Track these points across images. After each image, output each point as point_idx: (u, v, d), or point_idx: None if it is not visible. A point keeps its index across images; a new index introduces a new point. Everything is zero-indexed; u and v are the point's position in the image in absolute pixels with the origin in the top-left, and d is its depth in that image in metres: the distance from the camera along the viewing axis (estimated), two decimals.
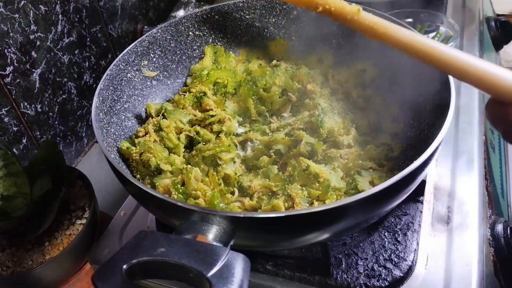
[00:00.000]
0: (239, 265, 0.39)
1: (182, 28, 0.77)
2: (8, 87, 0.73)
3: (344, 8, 0.45)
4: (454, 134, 0.77)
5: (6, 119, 0.74)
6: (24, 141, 0.79)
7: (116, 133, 0.64)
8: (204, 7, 0.78)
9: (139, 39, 0.70)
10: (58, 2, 0.81)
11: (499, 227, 0.67)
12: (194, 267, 0.38)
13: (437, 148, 0.48)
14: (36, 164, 0.67)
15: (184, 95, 0.73)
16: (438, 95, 0.58)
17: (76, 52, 0.88)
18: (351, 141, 0.63)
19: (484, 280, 0.58)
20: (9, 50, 0.72)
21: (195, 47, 0.79)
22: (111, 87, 0.64)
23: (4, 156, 0.63)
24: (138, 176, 0.62)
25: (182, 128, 0.67)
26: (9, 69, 0.73)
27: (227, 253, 0.39)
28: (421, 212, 0.65)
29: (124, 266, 0.38)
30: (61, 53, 0.84)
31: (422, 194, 0.67)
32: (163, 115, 0.68)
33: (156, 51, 0.74)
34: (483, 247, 0.62)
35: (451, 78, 0.56)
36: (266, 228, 0.44)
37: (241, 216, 0.43)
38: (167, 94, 0.76)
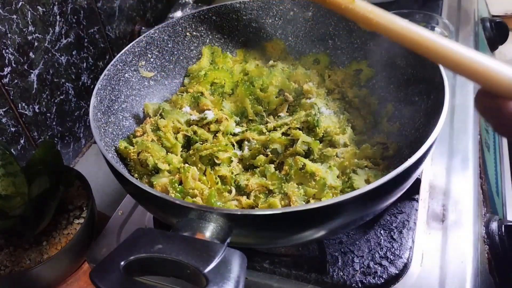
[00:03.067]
0: (235, 262, 0.39)
1: (179, 28, 0.77)
2: (6, 87, 0.74)
3: None
4: (449, 133, 0.78)
5: (4, 120, 0.75)
6: (22, 141, 0.80)
7: (114, 133, 0.64)
8: (201, 8, 0.78)
9: (137, 40, 0.71)
10: (56, 3, 0.81)
11: (494, 225, 0.67)
12: (191, 263, 0.38)
13: (431, 146, 0.48)
14: (34, 164, 0.67)
15: (182, 95, 0.73)
16: (433, 94, 0.59)
17: (74, 53, 0.88)
18: (347, 140, 0.64)
19: (479, 277, 0.59)
20: (7, 51, 0.73)
21: (192, 48, 0.80)
22: (108, 87, 0.65)
23: (2, 156, 0.63)
24: (136, 175, 0.62)
25: (180, 128, 0.67)
26: (7, 69, 0.73)
27: (223, 249, 0.40)
28: (417, 210, 0.65)
29: (122, 263, 0.38)
30: (59, 54, 0.84)
31: (418, 192, 0.67)
32: (160, 115, 0.69)
33: (154, 52, 0.74)
34: (478, 245, 0.63)
35: (445, 78, 0.56)
36: (263, 225, 0.45)
37: (238, 213, 0.43)
38: (164, 94, 0.76)
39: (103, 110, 0.62)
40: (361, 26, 0.45)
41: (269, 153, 0.64)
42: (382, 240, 0.62)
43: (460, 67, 0.40)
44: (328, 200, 0.43)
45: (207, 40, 0.81)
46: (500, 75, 0.38)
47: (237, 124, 0.70)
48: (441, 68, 0.57)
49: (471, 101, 0.84)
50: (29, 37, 0.77)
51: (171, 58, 0.77)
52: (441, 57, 0.41)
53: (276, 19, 0.81)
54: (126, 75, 0.69)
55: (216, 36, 0.81)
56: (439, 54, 0.41)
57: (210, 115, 0.68)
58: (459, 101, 0.84)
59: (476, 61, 0.39)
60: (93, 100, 0.60)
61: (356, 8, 0.43)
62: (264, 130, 0.67)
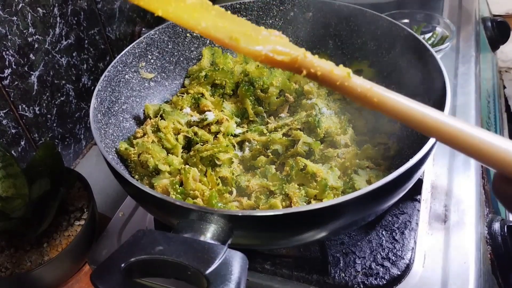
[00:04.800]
0: (236, 263, 0.39)
1: (180, 29, 0.77)
2: (7, 89, 0.74)
3: (332, 72, 0.38)
4: None
5: (4, 122, 0.74)
6: (22, 143, 0.79)
7: (114, 134, 0.64)
8: None
9: (137, 41, 0.71)
10: (56, 4, 0.81)
11: (496, 226, 0.67)
12: (192, 265, 0.38)
13: (432, 146, 0.48)
14: (34, 166, 0.67)
15: (182, 96, 0.73)
16: (434, 94, 0.58)
17: (74, 54, 0.88)
18: (348, 140, 0.64)
19: (481, 278, 0.59)
20: (7, 52, 0.73)
21: (192, 49, 0.79)
22: (109, 89, 0.65)
23: (3, 157, 0.63)
24: (136, 176, 0.62)
25: (180, 129, 0.67)
26: (7, 71, 0.73)
27: (224, 251, 0.39)
28: (419, 210, 0.65)
29: (123, 265, 0.38)
30: (59, 56, 0.84)
31: (420, 193, 0.67)
32: (161, 116, 0.69)
33: (154, 53, 0.74)
34: (480, 245, 0.62)
35: (446, 78, 0.56)
36: (264, 226, 0.45)
37: (239, 214, 0.43)
38: (165, 95, 0.76)
39: (103, 111, 0.62)
40: (360, 105, 0.40)
41: (270, 154, 0.63)
42: (384, 241, 0.61)
43: (474, 151, 0.35)
44: (329, 201, 0.43)
45: (208, 41, 0.80)
46: None
47: (238, 125, 0.70)
48: (443, 68, 0.57)
49: (473, 101, 0.84)
50: (29, 39, 0.77)
51: (171, 59, 0.77)
52: (455, 141, 0.36)
53: (277, 19, 0.81)
54: (127, 76, 0.69)
55: None
56: (451, 137, 0.36)
57: (210, 116, 0.68)
58: (460, 101, 0.84)
59: (492, 144, 0.35)
60: (93, 102, 0.60)
61: (352, 85, 0.38)
62: (265, 131, 0.67)
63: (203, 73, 0.74)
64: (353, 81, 0.38)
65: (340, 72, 0.38)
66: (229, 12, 0.43)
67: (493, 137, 0.35)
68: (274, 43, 0.39)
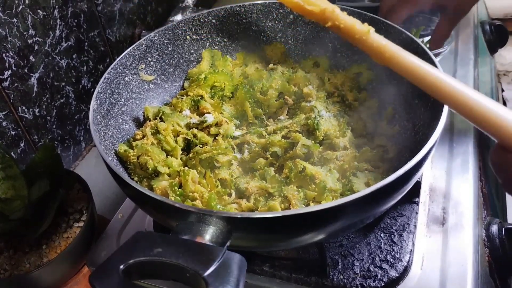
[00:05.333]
0: (235, 265, 0.39)
1: (180, 32, 0.77)
2: (6, 91, 0.74)
3: (354, 26, 0.42)
4: (449, 136, 0.78)
5: (4, 123, 0.75)
6: (21, 145, 0.80)
7: (114, 136, 0.64)
8: (201, 11, 0.78)
9: (137, 43, 0.71)
10: (56, 7, 0.81)
11: (494, 228, 0.67)
12: (191, 267, 0.38)
13: (431, 149, 0.48)
14: (34, 167, 0.67)
15: (182, 98, 0.73)
16: (433, 97, 0.59)
17: (74, 56, 0.88)
18: (347, 143, 0.64)
19: (479, 280, 0.59)
20: (7, 54, 0.73)
21: (192, 51, 0.80)
22: (108, 90, 0.65)
23: (2, 159, 0.63)
24: (135, 178, 0.62)
25: (180, 131, 0.67)
26: (7, 73, 0.73)
27: (223, 253, 0.39)
28: (417, 213, 0.65)
29: (121, 266, 0.38)
30: (59, 58, 0.84)
31: (418, 195, 0.67)
32: (160, 118, 0.69)
33: (154, 55, 0.74)
34: (478, 248, 0.63)
35: None
36: (263, 228, 0.45)
37: (238, 216, 0.43)
38: (164, 97, 0.76)
39: (103, 113, 0.62)
40: (373, 60, 0.43)
41: (269, 156, 0.64)
42: (383, 243, 0.61)
43: (475, 117, 0.37)
44: (328, 203, 0.43)
45: (207, 44, 0.81)
46: None
47: (237, 127, 0.70)
48: (441, 70, 0.57)
49: None
50: (30, 41, 0.77)
51: (171, 61, 0.77)
52: (455, 103, 0.38)
53: (276, 22, 0.81)
54: (126, 78, 0.69)
55: (216, 40, 0.81)
56: (454, 100, 0.38)
57: (210, 118, 0.68)
58: None
59: (493, 111, 0.36)
60: (93, 104, 0.60)
61: (369, 40, 0.42)
62: (264, 133, 0.67)
63: (203, 76, 0.74)
64: (371, 37, 0.42)
65: (361, 28, 0.42)
66: None
67: (495, 105, 0.37)
68: None
